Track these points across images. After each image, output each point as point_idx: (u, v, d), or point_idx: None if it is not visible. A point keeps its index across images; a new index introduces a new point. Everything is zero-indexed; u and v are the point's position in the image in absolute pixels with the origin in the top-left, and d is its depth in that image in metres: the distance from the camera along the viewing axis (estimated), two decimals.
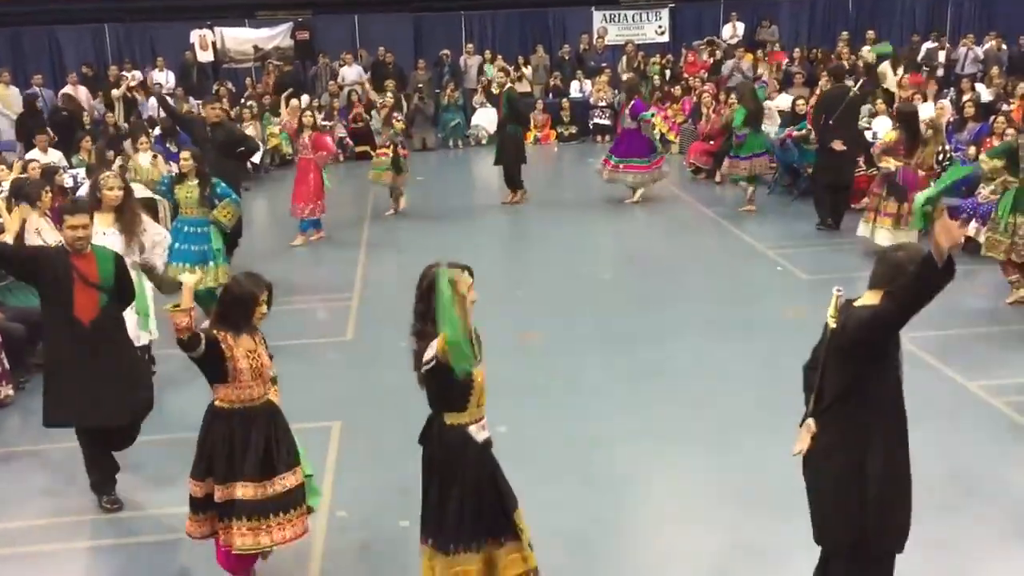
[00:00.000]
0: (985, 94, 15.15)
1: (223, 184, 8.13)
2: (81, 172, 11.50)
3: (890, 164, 9.41)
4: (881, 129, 12.66)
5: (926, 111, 11.92)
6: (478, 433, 3.89)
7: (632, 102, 12.44)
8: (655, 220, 11.94)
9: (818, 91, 12.52)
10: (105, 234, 6.27)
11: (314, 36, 20.29)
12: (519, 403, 6.48)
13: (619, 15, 20.97)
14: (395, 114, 12.66)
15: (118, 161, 11.95)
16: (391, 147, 12.10)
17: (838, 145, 10.35)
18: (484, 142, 17.80)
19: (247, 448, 4.26)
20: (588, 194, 13.12)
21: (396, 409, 6.44)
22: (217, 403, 4.33)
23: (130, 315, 6.18)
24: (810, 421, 3.75)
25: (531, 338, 7.72)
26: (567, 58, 19.78)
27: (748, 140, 11.78)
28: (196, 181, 7.93)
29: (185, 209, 8.01)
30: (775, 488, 5.21)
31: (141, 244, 6.44)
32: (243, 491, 4.23)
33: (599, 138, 17.75)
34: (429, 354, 3.74)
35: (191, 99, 17.33)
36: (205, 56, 19.77)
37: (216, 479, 4.30)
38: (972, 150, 10.85)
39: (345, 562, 4.87)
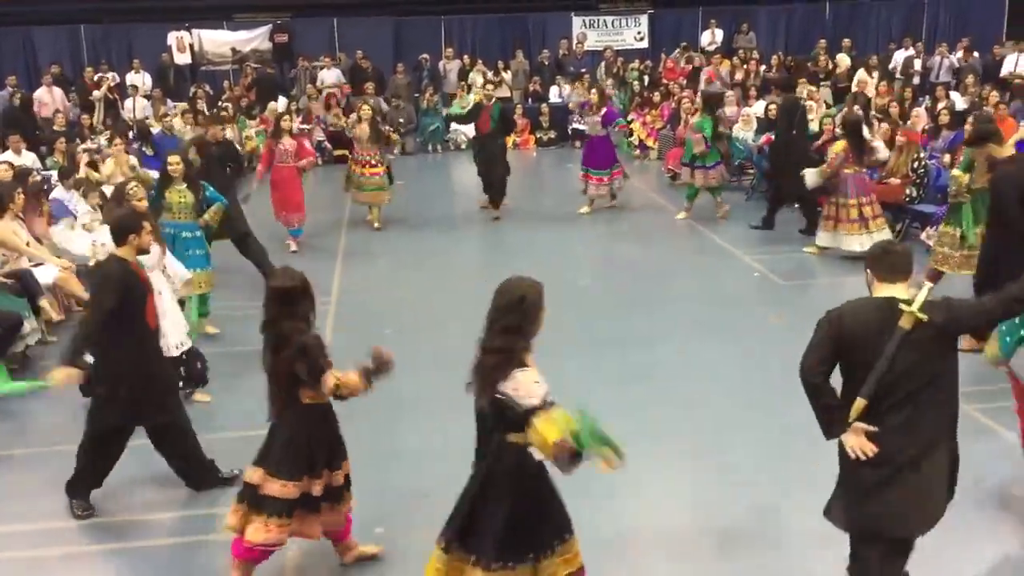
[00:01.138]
0: (960, 102, 15.31)
1: (211, 188, 8.11)
2: (55, 174, 11.38)
3: (830, 170, 9.70)
4: None
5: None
6: (536, 453, 3.67)
7: (604, 110, 12.44)
8: (634, 225, 11.96)
9: (773, 105, 12.62)
10: None
11: (293, 39, 20.24)
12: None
13: (598, 20, 21.05)
14: (387, 129, 12.57)
15: (84, 158, 11.86)
16: (386, 165, 11.87)
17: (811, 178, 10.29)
18: (463, 147, 17.80)
19: (336, 438, 4.52)
20: (568, 199, 13.12)
21: (372, 415, 6.42)
22: (308, 402, 4.39)
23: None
24: (860, 425, 3.66)
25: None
26: (546, 63, 19.83)
27: (712, 150, 11.87)
28: (185, 185, 7.83)
29: (178, 214, 7.84)
30: (768, 487, 5.23)
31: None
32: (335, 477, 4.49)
33: (578, 143, 17.77)
34: (532, 402, 3.57)
35: (168, 101, 17.23)
36: (182, 58, 19.68)
37: (315, 474, 4.40)
38: (947, 158, 10.95)
39: (319, 572, 4.83)
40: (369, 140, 11.76)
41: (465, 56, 19.84)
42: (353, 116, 12.56)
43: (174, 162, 7.90)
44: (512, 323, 3.66)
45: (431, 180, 15.79)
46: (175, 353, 6.36)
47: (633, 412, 6.35)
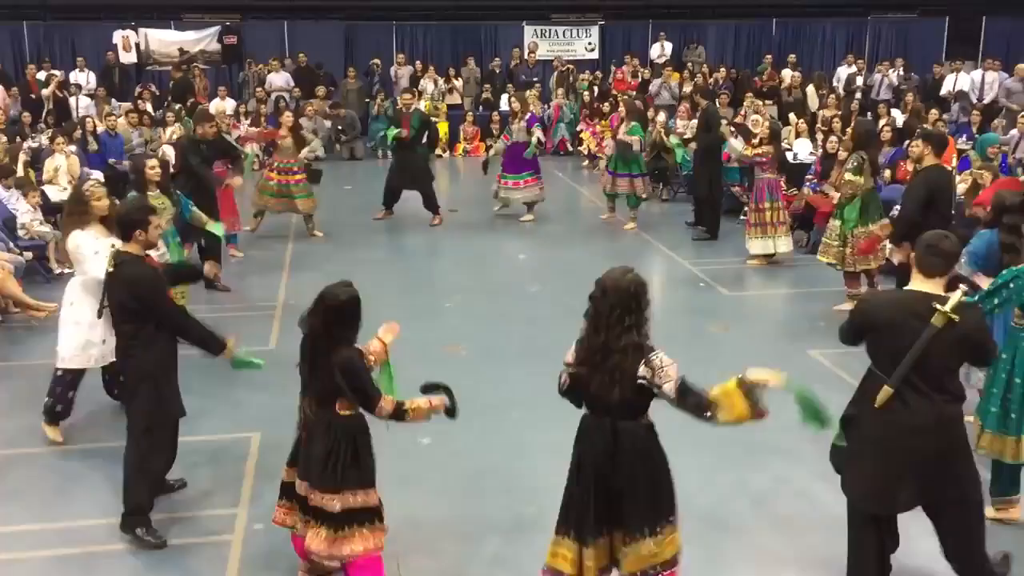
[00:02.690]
0: (900, 119, 15.68)
1: (182, 195, 7.95)
2: None
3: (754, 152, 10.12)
4: (802, 150, 13.04)
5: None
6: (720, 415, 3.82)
7: (527, 116, 12.58)
8: (581, 234, 12.05)
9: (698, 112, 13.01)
10: (98, 252, 5.82)
11: (242, 41, 20.03)
12: (442, 416, 6.45)
13: (550, 31, 21.19)
14: (307, 134, 12.32)
15: (23, 157, 11.61)
16: (306, 168, 11.58)
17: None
18: None
19: (365, 455, 4.43)
20: (513, 208, 13.16)
21: None
22: (345, 413, 4.32)
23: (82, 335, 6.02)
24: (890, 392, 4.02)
25: (456, 351, 7.71)
26: (498, 71, 19.89)
27: (636, 160, 12.07)
28: (158, 191, 7.58)
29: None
30: (697, 498, 5.29)
31: None
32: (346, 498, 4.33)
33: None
34: (671, 384, 3.74)
35: (113, 100, 16.95)
36: (128, 57, 19.36)
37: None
38: (888, 173, 11.22)
39: None
40: (292, 149, 11.46)
41: (417, 62, 19.83)
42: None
43: (151, 167, 7.60)
44: (633, 320, 3.75)
45: (379, 186, 15.72)
46: (93, 366, 6.10)
47: (564, 422, 6.38)
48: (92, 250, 5.88)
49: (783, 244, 10.19)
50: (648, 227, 12.19)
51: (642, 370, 3.73)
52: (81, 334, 5.99)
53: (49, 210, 11.05)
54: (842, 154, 10.99)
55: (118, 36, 19.26)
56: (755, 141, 10.23)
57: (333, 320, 4.23)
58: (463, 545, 4.96)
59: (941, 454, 4.04)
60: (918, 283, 4.09)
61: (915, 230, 6.88)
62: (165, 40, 20.00)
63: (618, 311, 3.75)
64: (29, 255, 9.65)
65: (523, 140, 12.43)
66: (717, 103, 13.96)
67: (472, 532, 5.02)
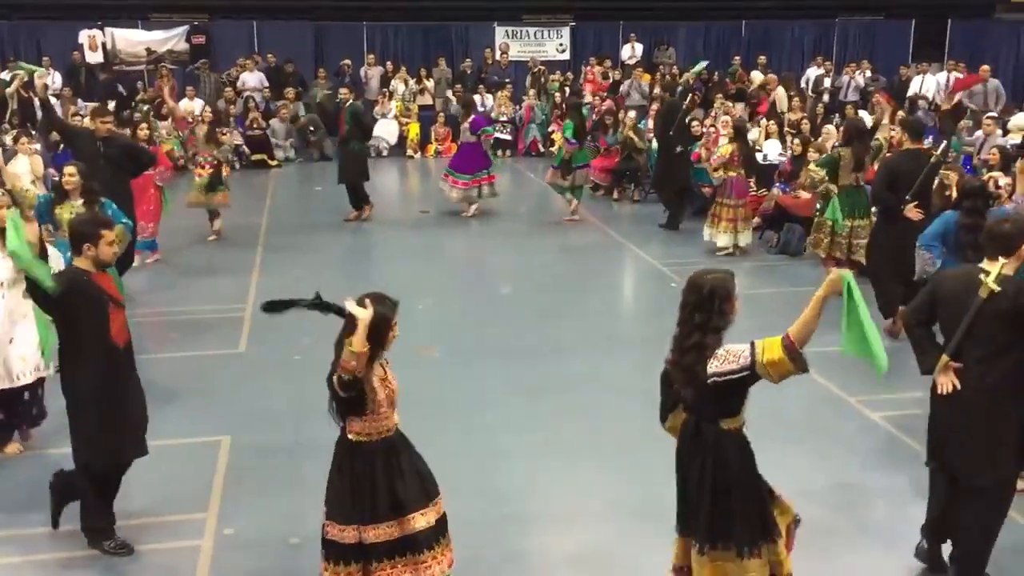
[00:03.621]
0: (868, 120, 15.82)
1: (113, 206, 7.13)
2: None
3: (722, 175, 10.37)
4: (771, 151, 13.13)
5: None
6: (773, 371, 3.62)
7: (471, 117, 12.79)
8: (554, 236, 12.05)
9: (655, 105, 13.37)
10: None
11: (211, 40, 19.85)
12: (417, 417, 6.42)
13: (521, 31, 21.19)
14: (221, 129, 12.28)
15: None
16: (216, 165, 11.31)
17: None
18: (384, 153, 17.72)
19: (397, 479, 4.02)
20: (487, 209, 13.15)
21: (288, 424, 6.34)
22: (353, 438, 3.99)
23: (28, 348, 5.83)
24: (948, 362, 4.31)
25: (429, 352, 7.69)
26: (469, 72, 19.86)
27: (574, 153, 12.20)
28: (81, 201, 7.12)
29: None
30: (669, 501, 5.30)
31: None
32: (388, 530, 3.99)
33: (499, 153, 17.86)
34: (743, 362, 3.57)
35: (79, 101, 16.72)
36: (94, 57, 19.12)
37: (364, 520, 3.96)
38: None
39: None
40: (204, 142, 11.41)
41: (388, 63, 19.76)
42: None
43: (70, 173, 7.13)
44: (702, 319, 3.69)
45: None
46: (27, 380, 5.87)
47: (538, 424, 6.42)
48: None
49: (743, 239, 10.58)
50: (619, 227, 12.22)
51: (711, 368, 3.64)
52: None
53: None
54: (812, 155, 11.09)
55: (84, 35, 19.02)
56: (716, 157, 10.44)
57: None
58: None
59: (977, 426, 4.26)
60: (985, 263, 4.41)
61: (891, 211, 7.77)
62: (132, 40, 19.77)
63: (690, 309, 3.74)
64: None
65: (468, 140, 12.64)
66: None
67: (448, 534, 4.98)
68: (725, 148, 10.33)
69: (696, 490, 3.77)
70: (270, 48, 19.64)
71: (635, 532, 5.11)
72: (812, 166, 8.81)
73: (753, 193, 11.81)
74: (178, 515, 5.31)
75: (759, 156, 12.78)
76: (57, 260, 6.48)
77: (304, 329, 8.39)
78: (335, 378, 3.83)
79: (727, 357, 3.61)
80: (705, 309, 3.69)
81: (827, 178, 8.77)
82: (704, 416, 3.76)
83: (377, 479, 3.98)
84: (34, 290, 4.65)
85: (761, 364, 3.54)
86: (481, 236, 12.05)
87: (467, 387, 7.07)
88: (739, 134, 10.57)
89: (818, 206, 9.30)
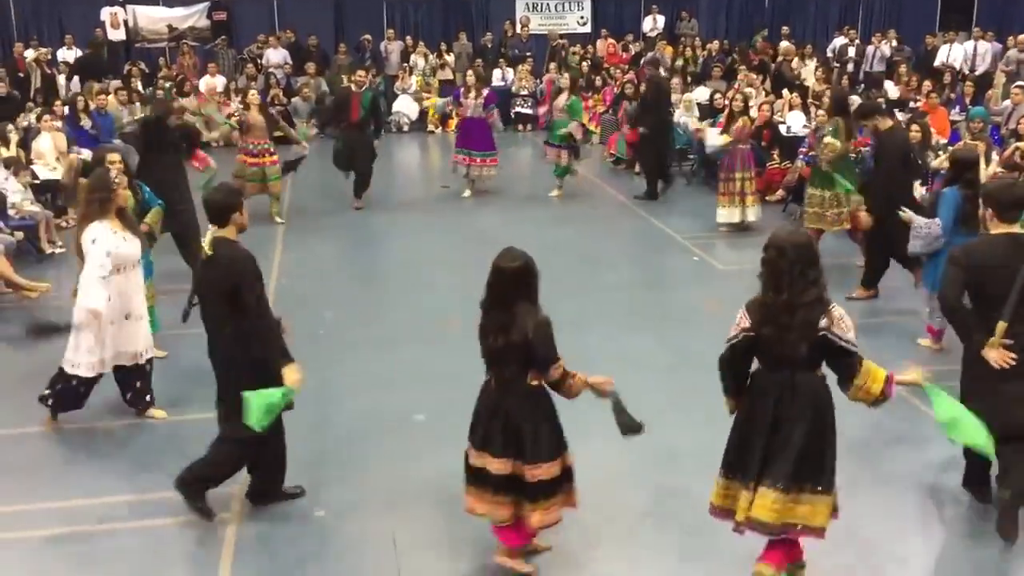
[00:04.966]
0: (892, 91, 15.64)
1: (147, 188, 7.31)
2: None
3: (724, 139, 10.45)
4: (795, 123, 12.99)
5: None
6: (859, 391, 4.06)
7: (486, 91, 12.64)
8: (575, 210, 12.02)
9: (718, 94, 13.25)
10: (109, 253, 5.71)
11: (232, 17, 19.85)
12: (438, 391, 6.48)
13: (542, 4, 21.03)
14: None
15: (14, 137, 11.48)
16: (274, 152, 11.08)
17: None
18: (406, 128, 17.70)
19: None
20: (508, 182, 13.13)
21: (309, 398, 6.40)
22: (534, 383, 4.32)
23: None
24: (999, 340, 4.51)
25: (451, 326, 7.70)
26: (489, 46, 19.75)
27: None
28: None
29: None
30: (686, 474, 5.32)
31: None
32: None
33: (521, 127, 17.80)
34: (851, 336, 3.94)
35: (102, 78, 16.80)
36: (116, 34, 19.18)
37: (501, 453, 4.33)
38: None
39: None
40: (264, 128, 11.04)
41: (407, 37, 19.69)
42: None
43: (113, 160, 7.06)
44: (815, 275, 3.92)
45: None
46: (141, 361, 6.03)
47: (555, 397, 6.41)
48: (104, 249, 5.67)
49: (752, 213, 10.46)
50: (647, 205, 12.15)
51: (823, 322, 3.90)
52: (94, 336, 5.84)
53: (39, 189, 10.98)
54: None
55: (106, 13, 19.07)
56: (723, 120, 10.43)
57: (513, 286, 4.25)
58: (459, 519, 4.98)
59: None
60: (1002, 228, 4.62)
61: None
62: (153, 17, 19.81)
63: (799, 267, 3.89)
64: (20, 235, 9.60)
65: (478, 116, 12.22)
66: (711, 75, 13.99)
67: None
68: (744, 120, 10.28)
69: (789, 434, 3.98)
70: (290, 24, 19.62)
71: (654, 504, 5.11)
72: (828, 139, 8.70)
73: (776, 166, 11.74)
74: None
75: (783, 128, 12.67)
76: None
77: (328, 304, 8.48)
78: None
79: (842, 324, 3.93)
80: (814, 265, 3.92)
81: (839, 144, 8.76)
82: (804, 367, 3.99)
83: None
84: None
85: (857, 386, 4.00)
86: (502, 210, 12.02)
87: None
88: (744, 107, 10.48)
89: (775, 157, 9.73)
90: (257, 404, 4.52)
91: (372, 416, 6.22)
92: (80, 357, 5.85)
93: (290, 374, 4.68)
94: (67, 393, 6.00)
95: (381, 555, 4.72)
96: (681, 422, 5.99)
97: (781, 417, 4.01)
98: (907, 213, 6.89)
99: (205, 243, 4.82)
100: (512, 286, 4.25)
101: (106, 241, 5.72)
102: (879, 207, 7.89)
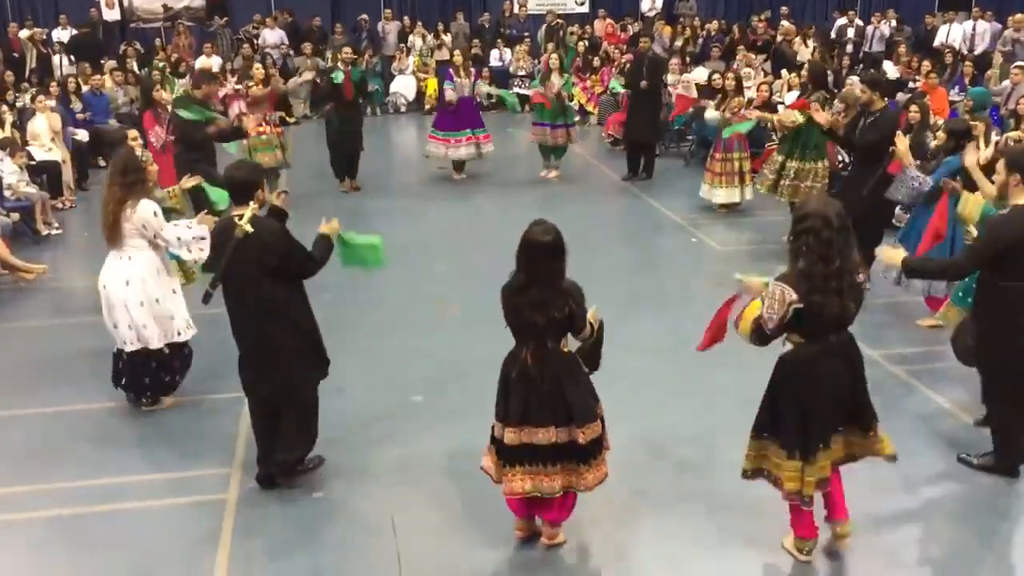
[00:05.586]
0: (892, 71, 15.57)
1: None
2: None
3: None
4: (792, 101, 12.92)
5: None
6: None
7: (474, 71, 12.58)
8: (572, 190, 11.98)
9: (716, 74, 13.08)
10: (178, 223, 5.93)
11: None
12: (436, 374, 6.47)
13: None
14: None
15: (8, 118, 11.42)
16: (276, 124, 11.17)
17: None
18: (403, 109, 17.62)
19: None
20: (505, 164, 13.08)
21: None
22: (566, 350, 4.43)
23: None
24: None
25: (450, 310, 7.70)
26: (487, 26, 19.64)
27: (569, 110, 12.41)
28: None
29: None
30: (683, 454, 5.33)
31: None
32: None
33: (520, 108, 17.69)
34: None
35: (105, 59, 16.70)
36: (111, 14, 19.05)
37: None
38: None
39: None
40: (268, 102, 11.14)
41: (405, 18, 19.56)
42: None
43: (135, 137, 7.48)
44: (852, 239, 4.02)
45: (370, 143, 15.61)
46: (180, 339, 6.02)
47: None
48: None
49: (748, 192, 10.51)
50: (644, 185, 12.11)
51: (861, 278, 4.13)
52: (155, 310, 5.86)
53: (35, 170, 10.94)
54: (838, 106, 10.96)
55: None
56: (719, 99, 10.48)
57: (549, 259, 4.33)
58: (457, 501, 4.99)
59: None
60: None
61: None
62: None
63: (844, 234, 3.96)
64: (15, 216, 9.57)
65: (468, 95, 12.10)
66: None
67: (469, 488, 5.03)
68: (737, 101, 10.28)
69: (836, 387, 4.14)
70: (287, 4, 19.48)
71: (651, 484, 5.12)
72: (816, 106, 8.71)
73: (775, 145, 11.69)
74: (202, 470, 5.38)
75: (781, 108, 12.61)
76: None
77: (324, 287, 8.44)
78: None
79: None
80: (849, 230, 3.98)
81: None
82: (844, 325, 4.12)
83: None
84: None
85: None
86: (500, 191, 11.99)
87: (486, 343, 7.05)
88: (739, 86, 10.56)
89: (775, 137, 9.73)
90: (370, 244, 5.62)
91: (370, 398, 6.22)
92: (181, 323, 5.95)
93: (329, 227, 5.30)
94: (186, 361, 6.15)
95: (380, 537, 4.73)
96: (680, 407, 5.99)
97: (848, 377, 4.17)
98: (902, 145, 6.97)
99: (243, 221, 4.77)
100: (550, 259, 4.30)
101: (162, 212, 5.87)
102: (856, 197, 7.43)
